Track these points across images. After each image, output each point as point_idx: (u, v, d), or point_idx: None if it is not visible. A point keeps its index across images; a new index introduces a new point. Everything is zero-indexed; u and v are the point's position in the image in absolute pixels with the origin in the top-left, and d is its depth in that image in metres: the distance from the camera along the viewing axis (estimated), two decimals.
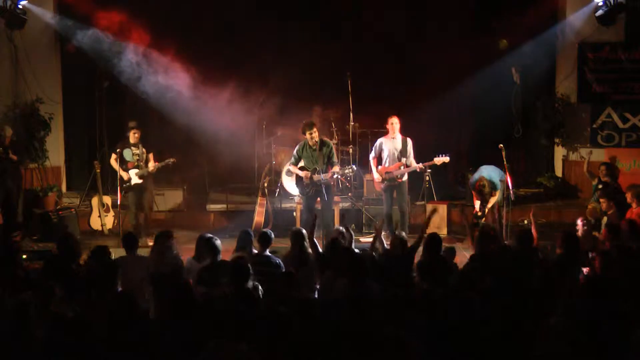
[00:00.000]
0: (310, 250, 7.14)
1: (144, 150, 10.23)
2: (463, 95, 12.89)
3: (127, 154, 10.13)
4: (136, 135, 10.19)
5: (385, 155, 10.00)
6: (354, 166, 10.05)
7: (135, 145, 10.17)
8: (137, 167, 10.13)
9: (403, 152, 9.89)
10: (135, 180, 10.11)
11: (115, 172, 10.16)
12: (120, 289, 6.01)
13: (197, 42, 12.35)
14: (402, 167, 9.84)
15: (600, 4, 11.77)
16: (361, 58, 12.49)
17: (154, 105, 11.64)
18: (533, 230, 7.51)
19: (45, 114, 11.94)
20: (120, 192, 9.90)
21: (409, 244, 7.21)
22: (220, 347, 4.77)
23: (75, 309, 5.58)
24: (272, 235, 7.26)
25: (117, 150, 10.07)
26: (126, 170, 10.07)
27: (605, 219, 9.33)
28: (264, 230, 7.59)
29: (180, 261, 7.01)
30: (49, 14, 11.89)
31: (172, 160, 10.12)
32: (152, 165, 10.16)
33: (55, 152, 12.37)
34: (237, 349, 4.78)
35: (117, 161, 10.00)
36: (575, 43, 12.39)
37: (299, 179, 9.74)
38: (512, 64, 12.46)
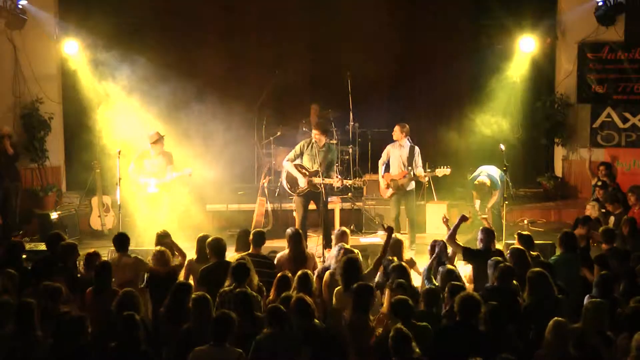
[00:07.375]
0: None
1: (164, 160, 9.76)
2: (463, 95, 12.88)
3: (147, 163, 9.78)
4: (156, 145, 9.67)
5: (391, 162, 9.85)
6: (340, 178, 9.56)
7: (155, 155, 9.71)
8: (155, 176, 9.67)
9: (410, 161, 9.68)
10: (153, 190, 9.69)
11: (115, 171, 10.04)
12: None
13: (197, 42, 12.34)
14: (407, 176, 9.63)
15: (600, 3, 11.76)
16: (360, 58, 12.47)
17: (154, 105, 11.61)
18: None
19: (45, 114, 11.92)
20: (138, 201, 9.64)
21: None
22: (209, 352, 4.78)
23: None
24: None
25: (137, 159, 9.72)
26: (145, 179, 9.67)
27: (612, 218, 9.33)
28: (258, 230, 7.54)
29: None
30: (49, 14, 11.88)
31: (189, 170, 9.60)
32: (169, 174, 9.61)
33: (55, 152, 12.33)
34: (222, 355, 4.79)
35: (136, 172, 9.64)
36: (575, 43, 12.38)
37: (289, 176, 9.26)
38: (511, 64, 12.42)
